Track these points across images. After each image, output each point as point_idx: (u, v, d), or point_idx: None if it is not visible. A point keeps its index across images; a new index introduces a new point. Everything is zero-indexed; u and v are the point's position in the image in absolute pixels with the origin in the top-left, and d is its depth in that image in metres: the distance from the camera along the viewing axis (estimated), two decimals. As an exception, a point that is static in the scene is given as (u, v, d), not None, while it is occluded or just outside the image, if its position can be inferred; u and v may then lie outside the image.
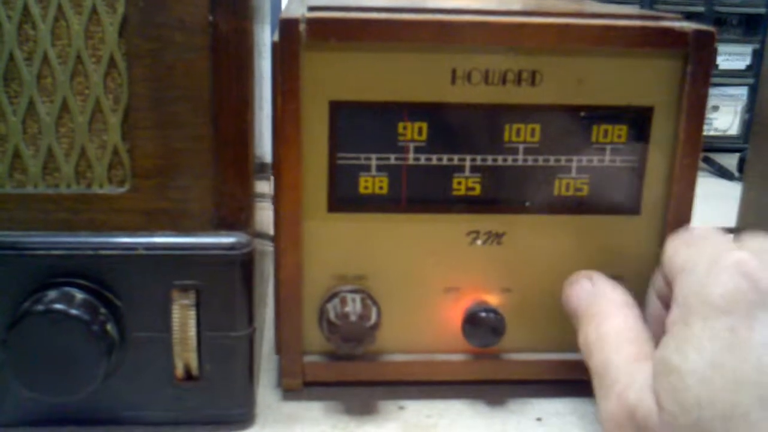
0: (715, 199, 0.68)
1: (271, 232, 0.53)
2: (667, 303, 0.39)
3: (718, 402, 0.30)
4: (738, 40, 1.05)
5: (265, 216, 0.47)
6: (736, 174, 0.91)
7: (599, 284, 0.41)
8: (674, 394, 0.32)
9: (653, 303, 0.41)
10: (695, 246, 0.36)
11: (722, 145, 0.97)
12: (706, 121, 0.96)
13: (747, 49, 1.03)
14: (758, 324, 0.31)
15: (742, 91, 1.01)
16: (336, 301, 0.41)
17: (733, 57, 1.04)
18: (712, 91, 0.99)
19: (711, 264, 0.33)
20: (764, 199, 0.56)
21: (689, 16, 1.00)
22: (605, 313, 0.39)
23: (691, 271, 0.35)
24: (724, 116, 0.97)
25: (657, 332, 0.39)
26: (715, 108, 0.96)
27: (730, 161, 0.95)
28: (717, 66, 1.03)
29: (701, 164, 0.93)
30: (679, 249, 0.37)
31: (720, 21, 1.04)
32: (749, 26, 1.06)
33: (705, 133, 0.97)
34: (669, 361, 0.33)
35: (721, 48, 1.03)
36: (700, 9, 1.04)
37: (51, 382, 0.36)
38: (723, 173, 0.92)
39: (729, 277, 0.32)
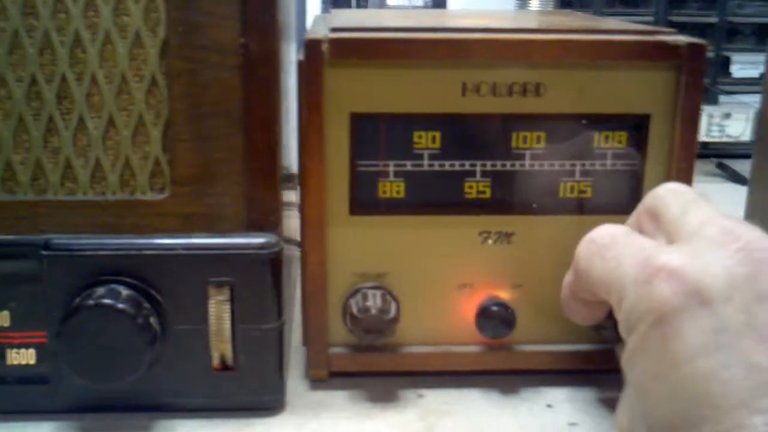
0: (729, 205, 0.69)
1: (298, 238, 0.56)
2: (580, 297, 0.40)
3: (661, 413, 0.31)
4: (751, 48, 1.06)
5: (292, 223, 0.49)
6: (749, 179, 0.92)
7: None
8: (628, 406, 0.34)
9: (567, 297, 0.42)
10: (610, 260, 0.36)
11: (735, 151, 0.99)
12: (719, 127, 0.98)
13: (760, 58, 1.04)
14: (686, 328, 0.30)
15: (755, 99, 1.02)
16: (358, 296, 0.44)
17: (746, 65, 1.05)
18: (725, 99, 1.01)
19: (636, 276, 0.33)
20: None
21: (704, 27, 1.03)
22: None
23: (620, 287, 0.34)
24: (737, 123, 0.98)
25: (576, 318, 0.42)
26: (728, 115, 0.98)
27: (743, 167, 0.96)
28: (730, 74, 1.05)
29: (715, 170, 0.95)
30: (593, 262, 0.37)
31: (734, 30, 1.06)
32: (762, 35, 1.07)
33: (718, 140, 0.99)
34: (626, 373, 0.34)
35: (735, 57, 1.05)
36: (714, 20, 1.05)
37: (99, 370, 0.39)
38: (736, 179, 0.94)
39: (655, 286, 0.32)
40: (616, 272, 0.35)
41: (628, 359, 0.34)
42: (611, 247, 0.36)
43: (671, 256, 0.32)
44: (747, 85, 1.04)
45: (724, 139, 0.99)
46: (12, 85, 0.39)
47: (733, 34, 1.06)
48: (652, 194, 0.39)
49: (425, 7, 1.01)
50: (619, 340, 0.39)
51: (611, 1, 1.05)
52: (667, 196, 0.38)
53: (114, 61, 0.40)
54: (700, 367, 0.30)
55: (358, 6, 1.02)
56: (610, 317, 0.39)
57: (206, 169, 0.41)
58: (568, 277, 0.42)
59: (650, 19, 1.04)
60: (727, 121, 0.98)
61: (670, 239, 0.35)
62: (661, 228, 0.37)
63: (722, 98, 1.01)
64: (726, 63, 1.05)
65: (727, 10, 1.05)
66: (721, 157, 0.97)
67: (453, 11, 0.92)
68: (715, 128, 0.98)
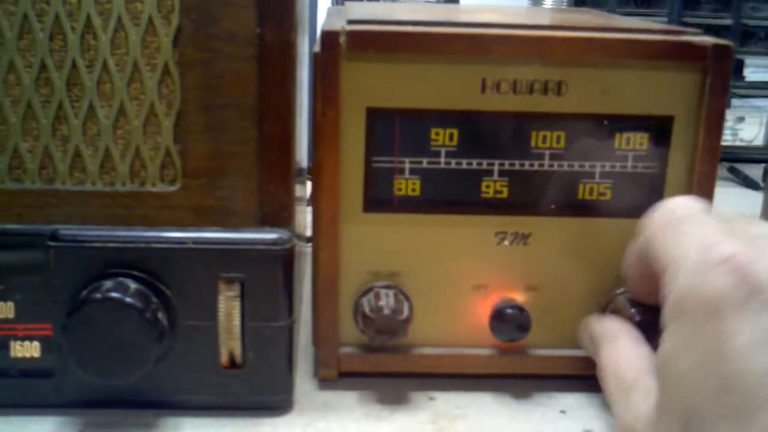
0: (741, 209, 0.69)
1: (307, 234, 0.56)
2: (643, 267, 0.39)
3: (708, 407, 0.30)
4: (765, 52, 1.05)
5: (301, 218, 0.49)
6: (762, 184, 0.92)
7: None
8: (669, 395, 0.33)
9: (630, 266, 0.41)
10: (680, 234, 0.35)
11: (748, 155, 0.98)
12: (732, 131, 0.98)
13: (774, 62, 1.05)
14: (747, 324, 0.29)
15: (769, 103, 1.02)
16: (370, 295, 0.43)
17: (760, 69, 1.05)
18: (739, 103, 1.00)
19: (699, 260, 0.32)
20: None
21: (717, 29, 1.02)
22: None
23: (679, 267, 0.33)
24: (750, 127, 0.98)
25: (635, 289, 0.41)
26: (741, 119, 0.97)
27: (755, 172, 0.96)
28: (744, 78, 1.04)
29: (727, 174, 0.94)
30: (661, 233, 0.36)
31: (747, 34, 1.05)
32: (776, 39, 1.07)
33: (731, 144, 0.99)
34: (666, 361, 0.33)
35: (748, 60, 1.04)
36: (728, 22, 1.04)
37: (106, 365, 0.38)
38: (748, 183, 0.93)
39: (717, 275, 0.31)
40: (680, 249, 0.34)
41: (672, 348, 0.33)
42: (685, 221, 0.35)
43: (739, 248, 0.31)
44: (760, 89, 1.03)
45: (737, 143, 0.98)
46: (21, 71, 0.39)
47: (746, 38, 1.06)
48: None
49: (437, 1, 1.00)
50: (644, 326, 0.39)
51: (625, 2, 1.05)
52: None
53: (126, 48, 0.39)
54: (758, 365, 0.29)
55: (370, -1, 1.01)
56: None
57: (218, 161, 0.40)
58: (634, 244, 0.40)
59: (664, 20, 1.03)
60: (740, 125, 0.97)
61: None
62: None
63: (735, 102, 1.00)
64: (739, 66, 1.04)
65: (741, 12, 1.05)
66: (734, 161, 0.97)
67: (467, 6, 0.91)
68: (727, 132, 0.97)
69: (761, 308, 0.30)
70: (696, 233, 0.34)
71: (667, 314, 0.33)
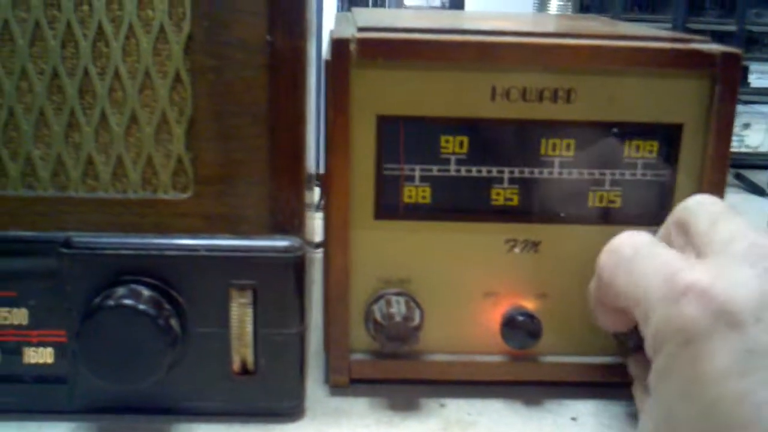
0: (747, 216, 0.69)
1: (316, 239, 0.56)
2: (606, 304, 0.40)
3: None
4: (770, 58, 1.06)
5: (310, 224, 0.49)
6: (767, 190, 0.92)
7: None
8: (655, 424, 0.33)
9: (594, 305, 0.42)
10: (635, 274, 0.35)
11: (754, 161, 0.98)
12: (738, 138, 0.98)
13: (779, 68, 1.05)
14: (717, 350, 0.30)
15: (774, 109, 1.02)
16: (381, 302, 0.43)
17: (765, 75, 1.05)
18: (744, 109, 1.00)
19: (663, 295, 0.32)
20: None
21: (722, 35, 1.02)
22: None
23: (646, 304, 0.33)
24: (756, 133, 0.98)
25: (604, 324, 0.42)
26: (747, 125, 0.97)
27: (761, 178, 0.96)
28: (749, 84, 1.04)
29: (733, 181, 0.94)
30: (618, 273, 0.36)
31: (752, 40, 1.05)
32: (781, 45, 1.07)
33: (736, 150, 0.99)
34: (653, 391, 0.33)
35: (753, 66, 1.04)
36: (732, 28, 1.05)
37: (119, 371, 0.38)
38: (754, 189, 0.93)
39: (683, 307, 0.31)
40: (641, 288, 0.34)
41: (655, 378, 0.33)
42: (634, 260, 0.36)
43: (700, 275, 0.32)
44: (765, 95, 1.03)
45: (743, 150, 0.98)
46: (33, 78, 0.39)
47: (751, 44, 1.06)
48: (682, 206, 0.38)
49: (442, 7, 1.00)
50: (639, 349, 0.39)
51: (629, 6, 1.05)
52: (697, 208, 0.37)
53: (137, 55, 0.39)
54: (731, 390, 0.29)
55: (375, 4, 1.02)
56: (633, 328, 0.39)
57: (230, 168, 0.40)
58: (592, 284, 0.41)
59: (668, 25, 1.04)
60: (746, 132, 0.98)
61: (699, 253, 0.35)
62: (690, 241, 0.36)
63: (740, 108, 1.00)
64: (744, 73, 1.04)
65: (745, 18, 1.05)
66: (740, 167, 0.97)
67: (474, 13, 0.91)
68: (733, 138, 0.97)
69: (728, 330, 0.30)
70: (652, 269, 0.34)
71: (648, 351, 0.34)
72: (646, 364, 0.36)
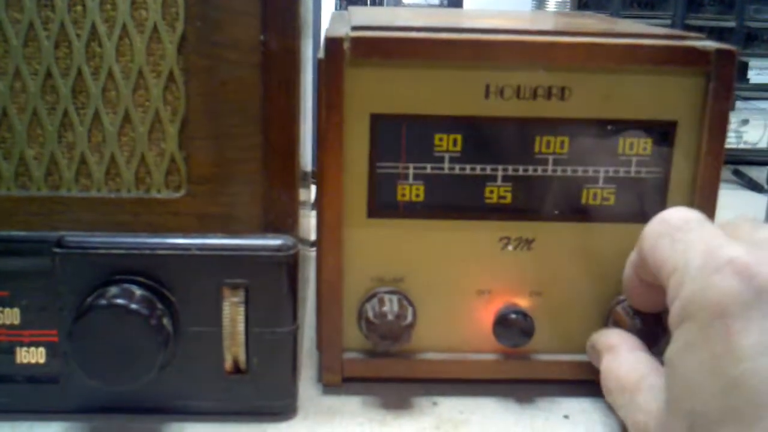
0: (746, 212, 0.69)
1: (311, 238, 0.56)
2: (642, 279, 0.39)
3: (711, 408, 0.30)
4: (769, 54, 1.05)
5: (305, 222, 0.49)
6: (766, 187, 0.92)
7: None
8: (675, 395, 0.33)
9: (630, 278, 0.41)
10: (680, 242, 0.35)
11: (752, 158, 0.98)
12: (736, 134, 0.97)
13: (778, 64, 1.04)
14: (753, 325, 0.30)
15: (774, 105, 1.01)
16: (374, 301, 0.43)
17: (764, 71, 1.04)
18: (742, 105, 1.00)
19: (703, 264, 0.32)
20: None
21: (721, 31, 1.02)
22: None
23: (683, 273, 0.33)
24: (754, 130, 0.97)
25: (635, 300, 0.41)
26: (745, 121, 0.97)
27: (760, 174, 0.96)
28: (748, 80, 1.04)
29: (731, 177, 0.94)
30: (661, 242, 0.36)
31: (751, 36, 1.05)
32: (780, 41, 1.06)
33: (735, 147, 0.98)
34: (673, 363, 0.33)
35: (752, 62, 1.04)
36: (732, 24, 1.04)
37: (111, 371, 0.38)
38: (753, 186, 0.93)
39: (722, 278, 0.31)
40: (682, 255, 0.34)
41: (677, 351, 0.33)
42: (683, 229, 0.35)
43: (742, 251, 0.32)
44: (765, 91, 1.03)
45: (741, 146, 0.98)
46: (27, 78, 0.39)
47: (750, 39, 1.05)
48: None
49: (441, 5, 1.00)
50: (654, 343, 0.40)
51: (628, 3, 1.04)
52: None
53: (131, 55, 0.39)
54: (763, 366, 0.29)
55: (374, 2, 1.02)
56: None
57: (223, 168, 0.40)
58: (632, 257, 0.41)
59: (668, 22, 1.03)
60: (745, 128, 0.97)
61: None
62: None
63: (739, 104, 1.00)
64: (743, 69, 1.04)
65: (744, 14, 1.04)
66: (738, 163, 0.97)
67: (471, 11, 0.91)
68: (732, 135, 0.97)
69: (765, 307, 0.30)
70: (697, 239, 0.34)
71: (673, 319, 0.34)
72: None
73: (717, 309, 0.31)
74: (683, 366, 0.32)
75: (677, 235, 0.35)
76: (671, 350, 0.33)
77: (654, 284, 0.38)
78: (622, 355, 0.41)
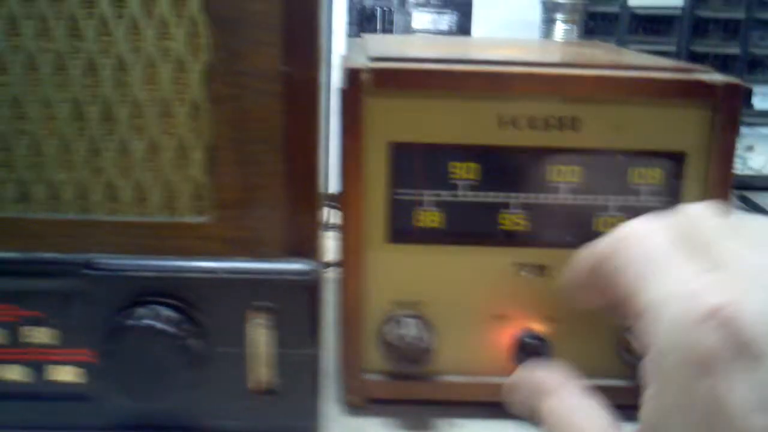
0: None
1: (330, 259, 0.56)
2: (600, 279, 0.35)
3: None
4: (773, 81, 1.06)
5: (322, 245, 0.50)
6: (771, 212, 0.93)
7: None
8: None
9: (583, 272, 0.37)
10: (653, 274, 0.32)
11: (757, 184, 0.99)
12: (741, 160, 0.98)
13: (782, 90, 1.05)
14: (740, 382, 0.28)
15: (778, 131, 1.02)
16: (394, 324, 0.44)
17: (768, 98, 1.05)
18: (748, 131, 1.01)
19: (682, 314, 0.30)
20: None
21: (725, 57, 1.03)
22: None
23: (657, 315, 0.31)
24: (759, 156, 0.98)
25: (578, 295, 0.38)
26: (750, 147, 0.98)
27: (765, 200, 0.96)
28: (752, 106, 1.05)
29: (737, 203, 0.95)
30: (630, 263, 0.33)
31: (755, 62, 1.06)
32: (785, 68, 1.07)
33: (740, 173, 0.99)
34: (656, 424, 0.31)
35: (757, 89, 1.05)
36: (736, 51, 1.05)
37: (140, 390, 0.39)
38: (758, 211, 0.94)
39: (704, 333, 0.29)
40: (656, 292, 0.32)
41: (661, 410, 0.31)
42: (657, 259, 0.33)
43: (722, 297, 0.29)
44: (768, 117, 1.04)
45: (746, 172, 0.99)
46: (56, 106, 0.40)
47: (755, 66, 1.06)
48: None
49: (450, 32, 1.02)
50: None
51: (634, 30, 1.06)
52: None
53: (157, 84, 0.40)
54: (756, 424, 0.28)
55: (383, 27, 1.03)
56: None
57: (247, 193, 0.41)
58: (588, 254, 0.37)
59: (673, 48, 1.04)
60: (750, 154, 0.98)
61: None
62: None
63: (744, 130, 1.01)
64: (748, 95, 1.05)
65: (749, 41, 1.06)
66: (743, 189, 0.97)
67: (481, 39, 0.93)
68: (737, 161, 0.98)
69: (754, 362, 0.28)
70: (671, 276, 0.32)
71: (649, 368, 0.32)
72: None
73: (703, 366, 0.29)
74: (669, 427, 0.31)
75: (649, 266, 0.32)
76: (653, 407, 0.31)
77: (605, 289, 0.35)
78: (567, 397, 0.38)
